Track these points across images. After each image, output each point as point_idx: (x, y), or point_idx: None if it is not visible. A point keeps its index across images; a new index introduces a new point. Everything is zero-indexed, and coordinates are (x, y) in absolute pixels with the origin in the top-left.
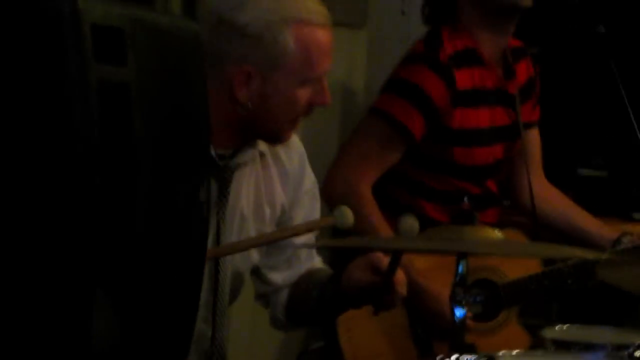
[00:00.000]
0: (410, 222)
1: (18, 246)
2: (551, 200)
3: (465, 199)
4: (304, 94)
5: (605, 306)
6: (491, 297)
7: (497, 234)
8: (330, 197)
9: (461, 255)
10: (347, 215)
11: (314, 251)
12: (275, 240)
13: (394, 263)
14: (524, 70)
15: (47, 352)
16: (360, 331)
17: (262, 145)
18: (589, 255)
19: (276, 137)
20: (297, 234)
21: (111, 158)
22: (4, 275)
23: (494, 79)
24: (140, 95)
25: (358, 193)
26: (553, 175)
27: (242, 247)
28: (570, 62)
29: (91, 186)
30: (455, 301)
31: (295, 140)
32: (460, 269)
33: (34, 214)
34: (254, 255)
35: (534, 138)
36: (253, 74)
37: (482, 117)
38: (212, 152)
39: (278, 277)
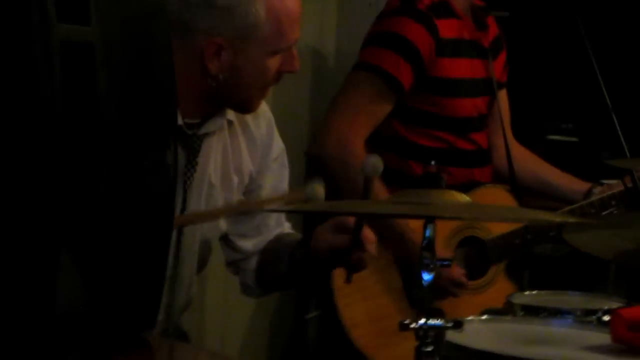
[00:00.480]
0: (373, 162)
1: None
2: (521, 159)
3: (433, 162)
4: (274, 63)
5: (576, 273)
6: (479, 254)
7: (464, 197)
8: (322, 155)
9: (428, 220)
10: (318, 192)
11: (283, 217)
12: (243, 212)
13: (360, 221)
14: (491, 27)
15: (10, 313)
16: (357, 296)
17: (230, 114)
18: (556, 218)
19: (246, 107)
20: (265, 206)
21: (75, 118)
22: None
23: (468, 30)
24: (105, 55)
25: (350, 149)
26: (523, 140)
27: (210, 216)
28: (539, 26)
29: (55, 147)
30: (422, 266)
31: (263, 107)
32: (428, 233)
33: None
34: (222, 224)
35: (503, 99)
36: (224, 46)
37: (464, 68)
38: (181, 121)
39: (248, 244)
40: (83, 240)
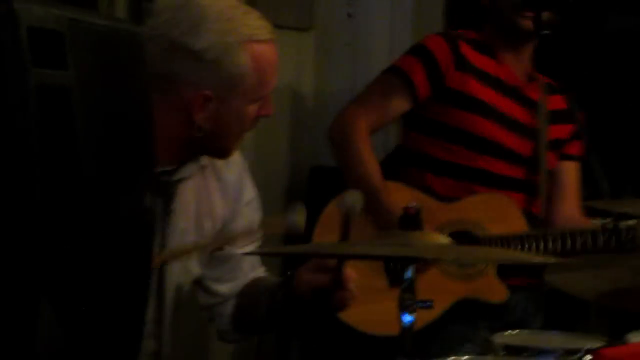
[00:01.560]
0: (353, 198)
1: None
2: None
3: (413, 203)
4: (253, 110)
5: (557, 312)
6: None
7: (443, 238)
8: (329, 136)
9: (408, 261)
10: (299, 217)
11: (258, 260)
12: (220, 246)
13: (341, 261)
14: (557, 100)
15: None
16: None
17: (204, 159)
18: (536, 259)
19: (224, 153)
20: (244, 237)
21: (53, 164)
22: None
23: (506, 74)
24: (81, 100)
25: (353, 126)
26: None
27: (192, 250)
28: None
29: (32, 194)
30: (403, 307)
31: (234, 153)
32: (408, 274)
33: None
34: (194, 268)
35: (572, 171)
36: (210, 97)
37: (486, 94)
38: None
39: (223, 288)
40: (62, 287)
